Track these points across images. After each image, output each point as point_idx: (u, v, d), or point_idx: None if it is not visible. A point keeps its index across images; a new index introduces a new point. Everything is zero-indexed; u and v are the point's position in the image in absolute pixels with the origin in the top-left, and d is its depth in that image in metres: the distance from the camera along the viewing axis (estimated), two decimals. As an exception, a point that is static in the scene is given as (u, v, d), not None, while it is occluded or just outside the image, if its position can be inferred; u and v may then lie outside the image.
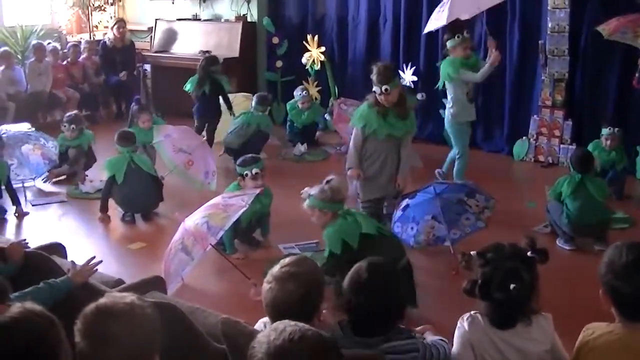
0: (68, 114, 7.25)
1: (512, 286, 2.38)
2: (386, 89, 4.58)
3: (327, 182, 4.27)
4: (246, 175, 5.00)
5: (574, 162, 5.26)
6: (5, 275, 2.85)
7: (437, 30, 6.69)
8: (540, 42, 7.26)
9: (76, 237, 5.50)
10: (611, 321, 2.28)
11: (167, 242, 4.59)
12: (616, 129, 6.19)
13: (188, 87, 7.54)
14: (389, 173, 4.84)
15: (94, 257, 3.14)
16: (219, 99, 7.65)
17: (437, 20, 6.03)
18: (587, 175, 5.16)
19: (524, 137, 7.60)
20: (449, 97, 6.09)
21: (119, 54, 9.72)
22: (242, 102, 8.33)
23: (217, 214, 4.32)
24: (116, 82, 9.54)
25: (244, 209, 4.38)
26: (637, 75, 6.28)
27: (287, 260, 2.58)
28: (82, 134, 7.00)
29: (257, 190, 4.75)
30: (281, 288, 2.44)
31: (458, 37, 5.85)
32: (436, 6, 7.85)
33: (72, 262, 3.15)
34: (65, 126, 6.94)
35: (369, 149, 4.79)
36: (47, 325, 1.87)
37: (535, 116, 7.51)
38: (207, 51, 9.37)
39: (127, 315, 1.97)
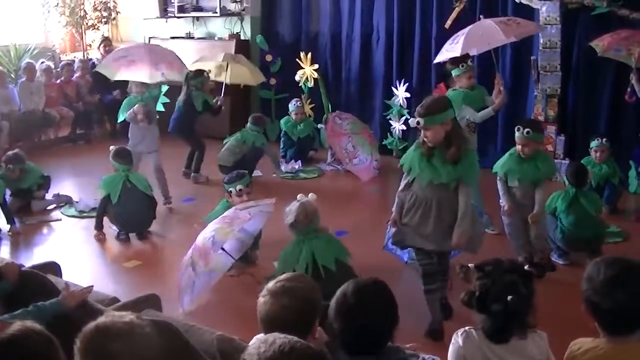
0: (8, 152, 6.78)
1: (509, 298, 2.40)
2: (418, 122, 3.85)
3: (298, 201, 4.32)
4: (231, 192, 5.11)
5: (568, 176, 5.27)
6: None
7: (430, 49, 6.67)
8: (532, 58, 7.31)
9: (71, 255, 5.48)
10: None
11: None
12: (604, 140, 6.20)
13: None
14: (436, 225, 3.94)
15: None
16: (193, 120, 7.63)
17: (448, 51, 5.89)
18: (581, 189, 5.19)
19: (517, 153, 7.62)
20: None
21: (110, 72, 9.71)
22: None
23: (223, 229, 4.34)
24: (110, 101, 9.55)
25: (248, 221, 4.40)
26: (629, 90, 6.32)
27: (283, 275, 2.59)
28: (26, 173, 6.64)
29: (271, 201, 4.63)
30: (276, 302, 2.43)
31: (462, 66, 5.72)
32: (429, 23, 8.04)
33: (66, 283, 3.15)
34: (2, 165, 6.50)
35: (414, 195, 4.03)
36: (46, 344, 1.88)
37: (528, 131, 7.53)
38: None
39: (126, 334, 1.98)
